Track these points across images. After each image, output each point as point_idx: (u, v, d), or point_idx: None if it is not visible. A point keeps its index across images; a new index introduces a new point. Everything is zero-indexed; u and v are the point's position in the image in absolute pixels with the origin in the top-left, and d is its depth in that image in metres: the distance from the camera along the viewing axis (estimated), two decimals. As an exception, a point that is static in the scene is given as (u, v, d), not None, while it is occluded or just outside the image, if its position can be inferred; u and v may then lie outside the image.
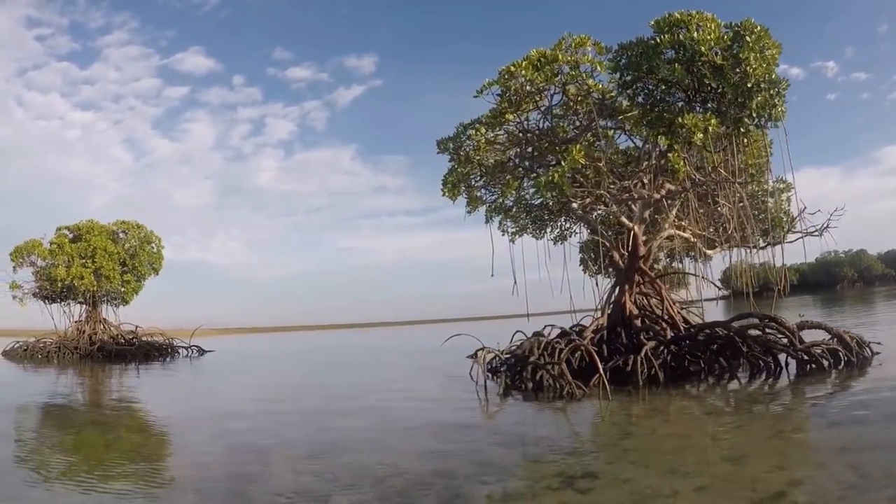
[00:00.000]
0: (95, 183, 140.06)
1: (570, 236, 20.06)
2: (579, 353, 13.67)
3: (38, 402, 14.43)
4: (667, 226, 16.36)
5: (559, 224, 19.82)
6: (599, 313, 18.10)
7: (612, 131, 14.93)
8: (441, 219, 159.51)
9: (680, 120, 12.33)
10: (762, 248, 17.46)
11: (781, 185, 18.20)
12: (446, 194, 17.12)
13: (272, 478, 6.77)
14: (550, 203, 17.81)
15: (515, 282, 16.38)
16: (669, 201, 15.98)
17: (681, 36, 13.08)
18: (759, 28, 12.56)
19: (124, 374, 21.99)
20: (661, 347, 13.50)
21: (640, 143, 15.67)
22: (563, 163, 12.20)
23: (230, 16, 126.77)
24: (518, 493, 5.76)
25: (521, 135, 15.16)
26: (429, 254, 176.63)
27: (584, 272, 20.60)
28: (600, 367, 10.94)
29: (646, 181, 14.86)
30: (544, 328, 20.75)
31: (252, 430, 10.00)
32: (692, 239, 17.19)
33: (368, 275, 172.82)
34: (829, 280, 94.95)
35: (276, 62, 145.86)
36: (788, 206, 18.77)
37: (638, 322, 15.07)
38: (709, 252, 17.87)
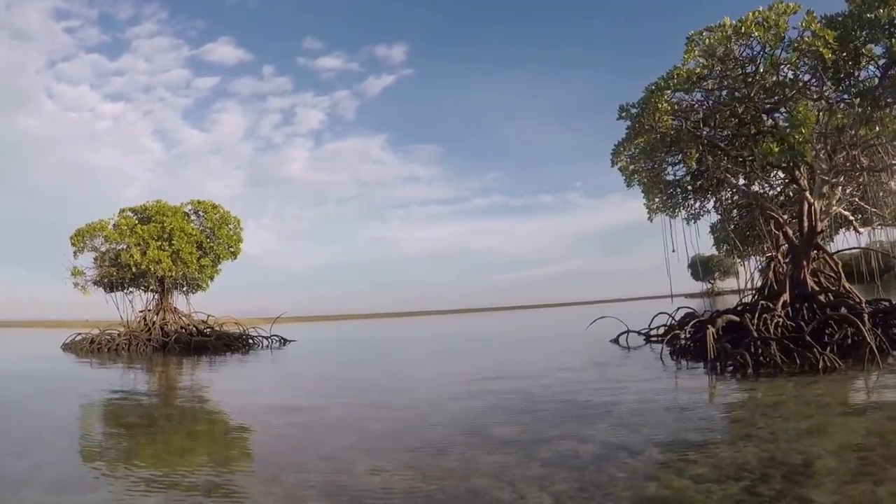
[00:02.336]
0: (126, 174, 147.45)
1: (703, 215, 20.46)
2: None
3: (131, 416, 11.00)
4: (834, 202, 16.79)
5: (688, 203, 20.16)
6: (756, 292, 18.50)
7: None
8: (472, 208, 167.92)
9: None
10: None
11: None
12: (616, 166, 17.25)
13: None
14: (690, 178, 18.19)
15: (688, 260, 16.74)
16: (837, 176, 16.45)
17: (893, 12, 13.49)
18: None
19: (215, 368, 20.50)
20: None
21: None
22: (803, 129, 12.37)
23: (259, 5, 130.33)
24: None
25: (710, 101, 15.34)
26: (460, 244, 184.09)
27: (718, 252, 21.02)
28: (868, 336, 11.20)
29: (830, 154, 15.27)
30: (677, 310, 21.04)
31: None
32: (850, 216, 17.72)
33: (400, 265, 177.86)
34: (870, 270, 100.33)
35: (305, 52, 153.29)
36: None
37: (822, 297, 15.44)
38: (861, 230, 18.46)
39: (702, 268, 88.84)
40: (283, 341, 28.98)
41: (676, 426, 8.27)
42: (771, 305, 14.69)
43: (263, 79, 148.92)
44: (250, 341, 27.77)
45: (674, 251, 16.62)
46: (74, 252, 27.02)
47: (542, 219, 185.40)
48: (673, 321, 19.52)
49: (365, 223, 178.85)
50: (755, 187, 18.84)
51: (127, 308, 27.71)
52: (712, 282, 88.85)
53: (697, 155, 16.11)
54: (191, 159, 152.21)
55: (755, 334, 13.29)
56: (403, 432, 8.60)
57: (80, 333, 28.45)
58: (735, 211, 21.32)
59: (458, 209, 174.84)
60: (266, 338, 28.45)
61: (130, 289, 28.19)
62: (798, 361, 12.14)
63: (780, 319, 14.64)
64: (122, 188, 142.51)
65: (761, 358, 12.58)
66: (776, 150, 12.78)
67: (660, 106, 15.27)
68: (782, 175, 17.58)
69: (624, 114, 16.07)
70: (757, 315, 14.00)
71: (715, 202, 20.29)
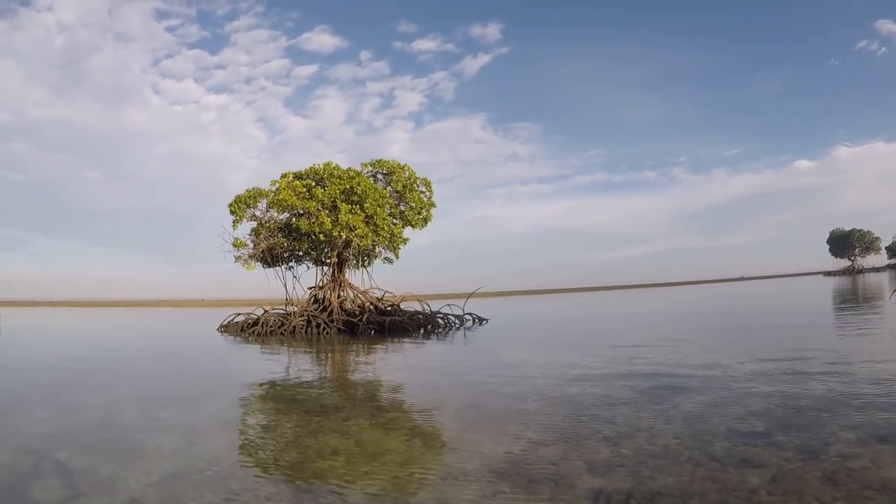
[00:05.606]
0: (233, 161, 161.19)
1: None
2: None
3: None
4: None
5: None
6: None
7: None
8: (573, 186, 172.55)
9: None
10: None
11: None
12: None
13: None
14: None
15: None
16: None
17: None
18: None
19: (472, 353, 17.02)
20: None
21: None
22: None
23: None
24: None
25: None
26: (562, 221, 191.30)
27: None
28: None
29: None
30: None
31: None
32: None
33: (504, 242, 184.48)
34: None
35: (401, 35, 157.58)
36: None
37: None
38: None
39: (842, 243, 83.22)
40: (480, 320, 25.89)
41: None
42: None
43: (361, 64, 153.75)
44: (443, 320, 24.57)
45: None
46: (233, 222, 23.73)
47: (645, 195, 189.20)
48: None
49: (467, 202, 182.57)
50: None
51: (291, 284, 24.53)
52: (853, 258, 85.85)
53: None
54: (294, 145, 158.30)
55: None
56: None
57: (239, 313, 25.12)
58: None
59: (559, 187, 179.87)
60: (458, 317, 25.32)
61: (291, 263, 24.99)
62: None
63: None
64: (229, 174, 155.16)
65: None
66: None
67: None
68: None
69: None
70: None
71: None
